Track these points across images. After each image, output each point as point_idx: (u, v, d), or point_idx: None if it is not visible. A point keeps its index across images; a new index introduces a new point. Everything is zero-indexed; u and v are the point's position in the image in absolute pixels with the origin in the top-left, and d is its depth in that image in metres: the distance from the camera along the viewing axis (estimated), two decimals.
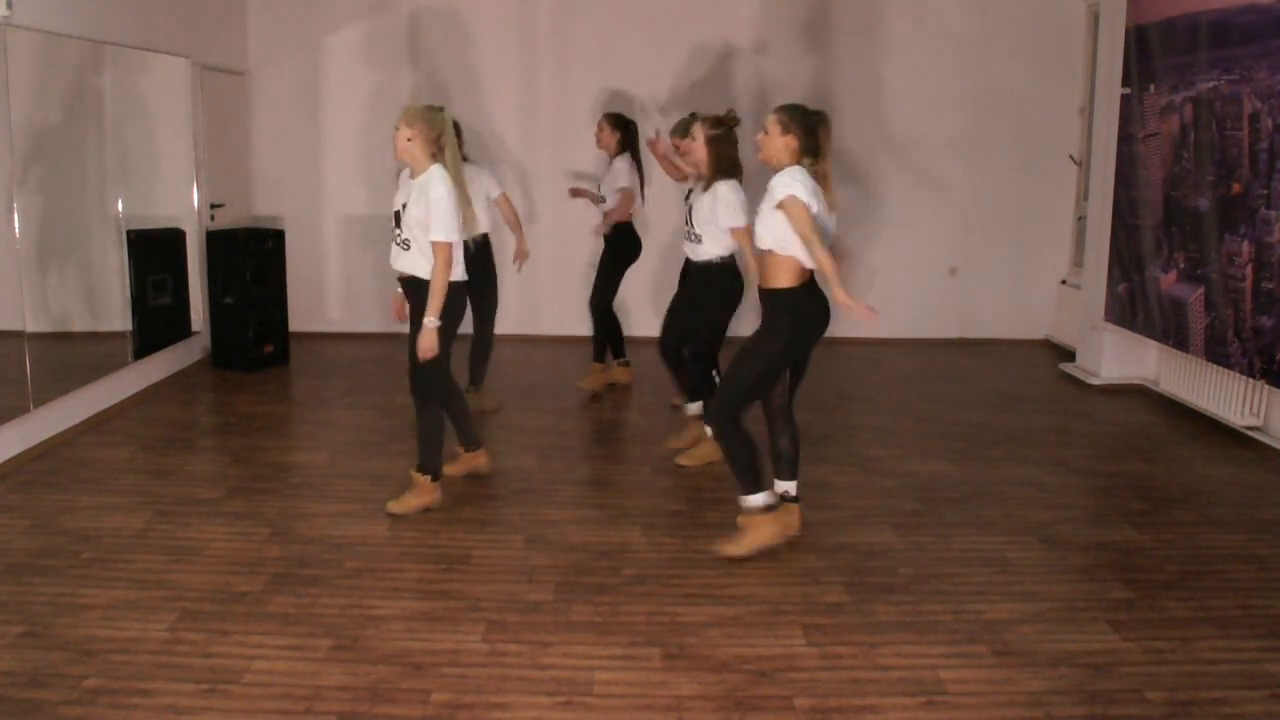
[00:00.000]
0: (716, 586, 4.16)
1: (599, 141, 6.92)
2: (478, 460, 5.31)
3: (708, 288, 5.52)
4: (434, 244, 4.60)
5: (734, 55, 8.44)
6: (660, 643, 3.71)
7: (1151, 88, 6.69)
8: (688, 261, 5.71)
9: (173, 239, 7.23)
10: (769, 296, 4.33)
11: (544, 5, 8.45)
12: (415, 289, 4.73)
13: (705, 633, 3.79)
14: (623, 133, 6.85)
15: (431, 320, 4.61)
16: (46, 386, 5.81)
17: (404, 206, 4.69)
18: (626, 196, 6.77)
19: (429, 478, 4.91)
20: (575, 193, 7.43)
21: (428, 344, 4.63)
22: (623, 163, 6.81)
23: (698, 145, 5.34)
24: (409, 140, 4.64)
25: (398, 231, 4.73)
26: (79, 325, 6.52)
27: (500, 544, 4.57)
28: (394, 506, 4.87)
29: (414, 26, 8.45)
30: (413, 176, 4.71)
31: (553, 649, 3.67)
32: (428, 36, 8.45)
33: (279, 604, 3.96)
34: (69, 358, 6.28)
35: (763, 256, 4.35)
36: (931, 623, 3.88)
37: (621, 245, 6.93)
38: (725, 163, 5.32)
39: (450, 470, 5.21)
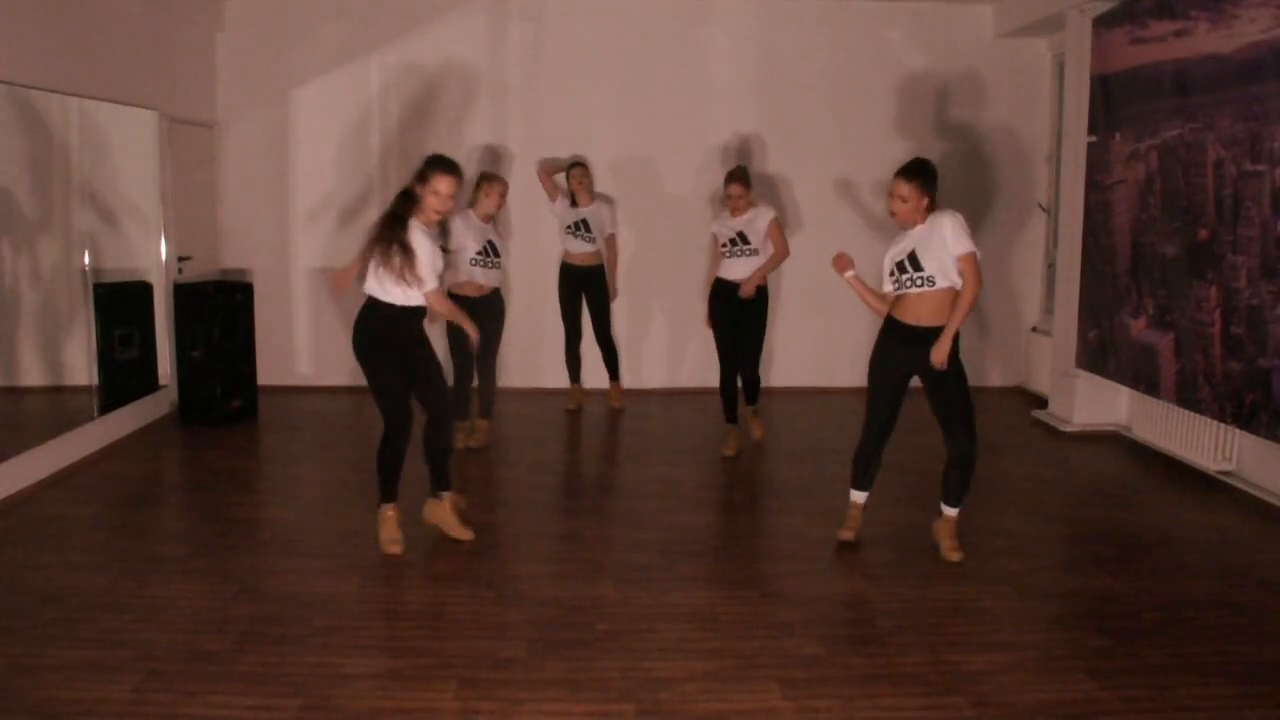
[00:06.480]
0: (690, 640, 4.11)
1: (735, 209, 6.53)
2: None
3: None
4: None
5: (715, 103, 8.52)
6: (634, 698, 3.66)
7: (1117, 135, 6.78)
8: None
9: (140, 292, 7.17)
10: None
11: (513, 54, 8.49)
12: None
13: (680, 687, 3.74)
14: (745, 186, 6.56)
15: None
16: (9, 441, 5.72)
17: None
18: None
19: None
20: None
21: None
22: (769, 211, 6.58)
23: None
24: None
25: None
26: (44, 379, 6.44)
27: (471, 599, 4.50)
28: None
29: (383, 79, 8.47)
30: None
31: (525, 706, 3.60)
32: (397, 90, 8.47)
33: (247, 663, 3.88)
34: (33, 412, 6.19)
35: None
36: (909, 674, 3.84)
37: (767, 303, 6.75)
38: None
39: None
